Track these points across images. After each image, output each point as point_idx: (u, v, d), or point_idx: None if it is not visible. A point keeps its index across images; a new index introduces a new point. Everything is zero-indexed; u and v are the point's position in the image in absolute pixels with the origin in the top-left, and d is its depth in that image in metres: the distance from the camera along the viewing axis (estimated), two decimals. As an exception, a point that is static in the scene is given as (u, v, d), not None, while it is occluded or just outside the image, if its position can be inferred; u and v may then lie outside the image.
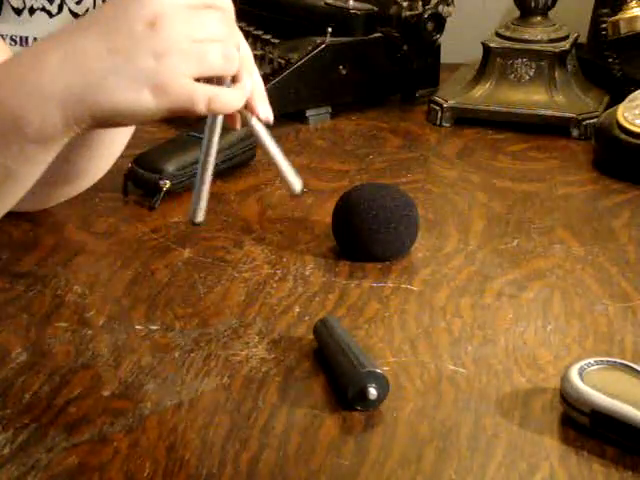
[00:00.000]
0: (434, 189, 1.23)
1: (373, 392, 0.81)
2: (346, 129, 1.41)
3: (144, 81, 0.73)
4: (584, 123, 1.37)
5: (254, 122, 0.84)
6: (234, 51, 0.78)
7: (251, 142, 1.25)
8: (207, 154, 0.83)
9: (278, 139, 1.36)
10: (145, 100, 0.75)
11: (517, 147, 1.35)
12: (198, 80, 0.76)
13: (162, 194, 1.15)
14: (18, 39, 1.73)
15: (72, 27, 0.77)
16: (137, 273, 1.02)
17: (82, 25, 0.76)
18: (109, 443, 0.77)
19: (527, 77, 1.42)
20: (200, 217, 0.84)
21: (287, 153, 1.31)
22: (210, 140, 0.82)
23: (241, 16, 1.48)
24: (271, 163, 0.87)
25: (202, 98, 0.75)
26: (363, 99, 1.47)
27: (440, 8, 1.43)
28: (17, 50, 1.62)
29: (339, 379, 0.83)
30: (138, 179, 1.18)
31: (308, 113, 1.42)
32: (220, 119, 0.83)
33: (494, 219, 1.15)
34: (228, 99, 0.78)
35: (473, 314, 0.95)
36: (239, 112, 0.83)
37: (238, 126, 0.83)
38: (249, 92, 0.81)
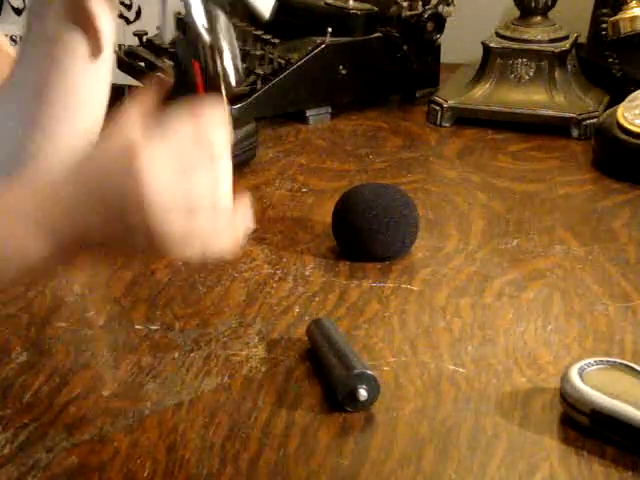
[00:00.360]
0: (434, 189, 1.23)
1: (363, 393, 0.81)
2: (346, 129, 1.41)
3: (139, 233, 0.74)
4: (584, 123, 1.37)
5: None
6: (221, 181, 0.78)
7: (251, 142, 1.25)
8: None
9: (278, 139, 1.37)
10: (138, 245, 0.75)
11: (517, 147, 1.35)
12: None
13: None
14: (18, 39, 1.73)
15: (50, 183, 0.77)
16: (137, 273, 1.02)
17: (64, 180, 0.76)
18: (109, 443, 0.77)
19: (527, 77, 1.42)
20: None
21: (287, 153, 1.33)
22: None
23: (241, 16, 1.49)
24: None
25: (196, 245, 0.75)
26: (363, 99, 1.47)
27: (440, 8, 1.43)
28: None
29: (330, 380, 0.83)
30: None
31: (308, 113, 1.42)
32: None
33: (494, 219, 1.15)
34: (221, 247, 0.77)
35: (473, 314, 0.95)
36: None
37: None
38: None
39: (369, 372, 0.81)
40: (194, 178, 0.75)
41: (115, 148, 0.75)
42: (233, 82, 0.80)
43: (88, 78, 0.97)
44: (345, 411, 0.81)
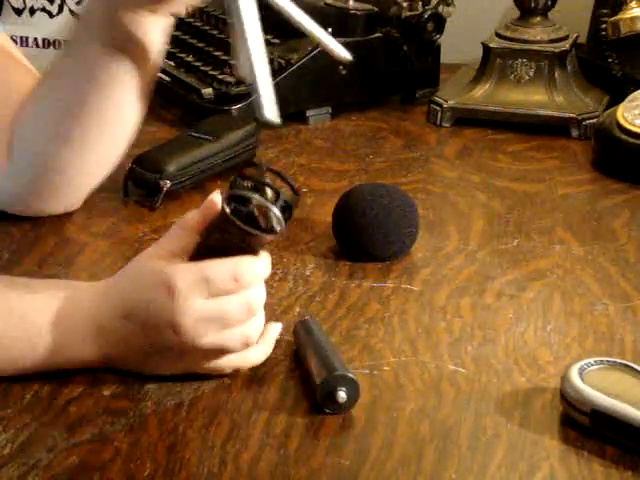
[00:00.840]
0: (434, 189, 1.23)
1: (342, 395, 0.80)
2: (346, 129, 1.41)
3: (176, 363, 0.84)
4: (584, 123, 1.37)
5: None
6: (254, 331, 0.84)
7: (251, 142, 1.25)
8: (244, 31, 0.81)
9: (278, 139, 1.37)
10: (181, 368, 0.84)
11: (517, 147, 1.35)
12: None
13: (162, 194, 1.15)
14: (18, 39, 1.73)
15: (100, 307, 0.84)
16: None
17: (110, 309, 0.83)
18: (110, 443, 0.77)
19: (527, 77, 1.42)
20: (271, 113, 0.84)
21: (287, 153, 1.33)
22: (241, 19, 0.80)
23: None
24: (310, 36, 0.86)
25: (227, 369, 0.85)
26: (363, 99, 1.47)
27: (440, 8, 1.43)
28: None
29: (309, 381, 0.83)
30: (138, 179, 1.18)
31: (308, 113, 1.42)
32: None
33: (494, 219, 1.15)
34: (252, 362, 0.86)
35: (473, 314, 0.95)
36: None
37: None
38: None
39: (349, 374, 0.81)
40: (226, 300, 0.81)
41: (158, 287, 0.81)
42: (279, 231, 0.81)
43: (125, 96, 0.99)
44: (349, 411, 0.81)
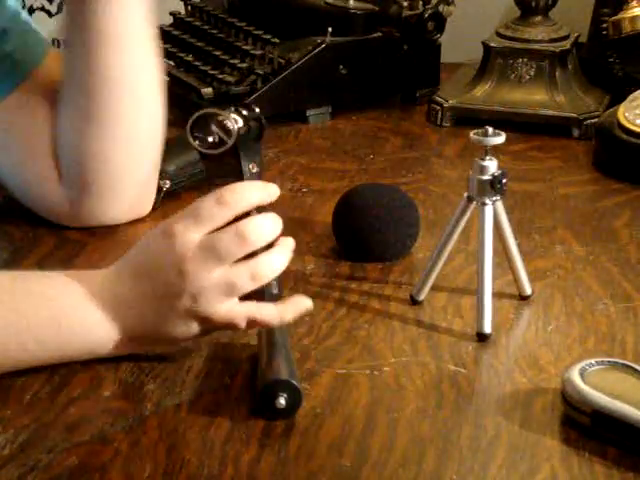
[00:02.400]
0: (434, 189, 1.23)
1: (282, 402, 0.80)
2: (346, 129, 1.41)
3: (191, 318, 0.83)
4: (585, 123, 1.37)
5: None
6: (262, 266, 0.83)
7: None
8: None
9: (278, 139, 1.36)
10: (194, 329, 0.84)
11: (518, 147, 1.35)
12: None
13: (162, 194, 1.15)
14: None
15: (110, 278, 0.85)
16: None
17: (121, 277, 0.85)
18: (109, 443, 0.77)
19: (528, 77, 1.42)
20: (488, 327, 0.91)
21: (287, 153, 1.33)
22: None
23: (241, 16, 1.49)
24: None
25: (242, 319, 0.84)
26: (363, 99, 1.47)
27: (440, 8, 1.43)
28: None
29: (254, 385, 0.83)
30: (138, 179, 1.17)
31: (308, 113, 1.42)
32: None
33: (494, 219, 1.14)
34: (266, 314, 0.84)
35: (474, 314, 0.94)
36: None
37: None
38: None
39: (293, 381, 0.80)
40: (223, 245, 0.82)
41: (158, 237, 0.83)
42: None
43: (144, 74, 1.00)
44: (349, 411, 0.81)
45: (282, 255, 0.84)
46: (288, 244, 0.85)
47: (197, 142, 0.82)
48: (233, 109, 0.84)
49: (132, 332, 0.85)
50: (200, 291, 0.82)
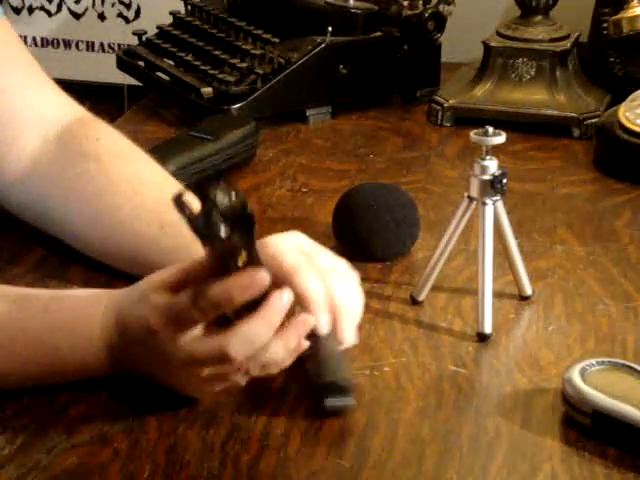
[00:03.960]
0: (435, 189, 1.22)
1: (338, 401, 0.80)
2: (346, 129, 1.41)
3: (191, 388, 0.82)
4: (585, 123, 1.37)
5: None
6: (254, 366, 0.79)
7: (251, 142, 1.25)
8: None
9: (278, 139, 1.36)
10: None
11: (518, 147, 1.34)
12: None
13: (162, 194, 1.15)
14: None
15: (108, 324, 0.82)
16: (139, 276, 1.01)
17: (115, 333, 0.81)
18: (109, 444, 0.77)
19: (528, 76, 1.42)
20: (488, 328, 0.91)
21: (287, 153, 1.33)
22: None
23: (241, 15, 1.49)
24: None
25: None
26: (363, 99, 1.47)
27: (441, 7, 1.43)
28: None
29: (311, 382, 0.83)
30: (138, 179, 1.17)
31: (308, 113, 1.42)
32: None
33: (494, 219, 1.14)
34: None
35: (474, 314, 0.94)
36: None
37: None
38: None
39: (349, 380, 0.81)
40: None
41: (140, 328, 0.79)
42: None
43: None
44: (349, 411, 0.81)
45: (282, 346, 0.79)
46: (298, 330, 0.79)
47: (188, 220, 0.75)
48: (219, 197, 0.74)
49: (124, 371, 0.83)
50: (192, 384, 0.80)
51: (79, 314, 0.83)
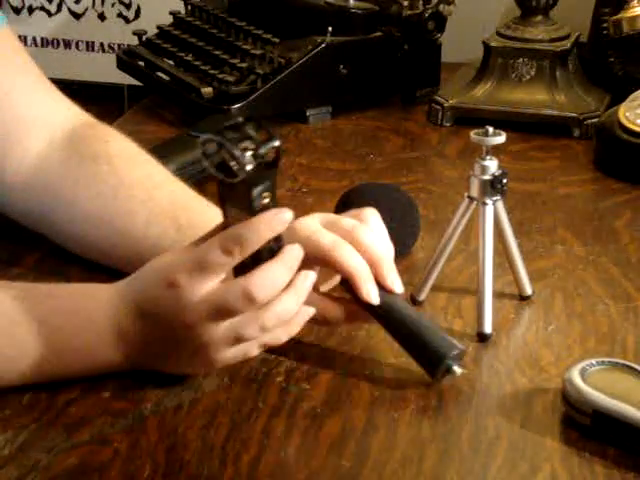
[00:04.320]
0: (435, 189, 1.22)
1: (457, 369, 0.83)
2: (346, 129, 1.41)
3: (196, 360, 0.82)
4: (585, 123, 1.37)
5: None
6: (271, 318, 0.80)
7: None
8: None
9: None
10: (199, 369, 0.84)
11: (518, 147, 1.34)
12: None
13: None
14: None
15: (115, 305, 0.83)
16: (137, 273, 1.01)
17: (125, 310, 0.82)
18: (109, 444, 0.77)
19: (528, 76, 1.42)
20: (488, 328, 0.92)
21: (287, 153, 1.32)
22: None
23: (241, 15, 1.49)
24: None
25: (250, 353, 0.82)
26: (363, 99, 1.47)
27: (441, 7, 1.43)
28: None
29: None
30: (138, 179, 1.17)
31: (308, 113, 1.42)
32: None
33: (494, 219, 1.14)
34: (275, 337, 0.82)
35: (474, 314, 0.94)
36: None
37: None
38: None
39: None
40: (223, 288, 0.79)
41: (161, 285, 0.80)
42: None
43: None
44: (345, 411, 0.81)
45: (294, 300, 0.80)
46: (304, 284, 0.81)
47: (209, 164, 0.77)
48: (247, 129, 0.79)
49: (135, 361, 0.84)
50: (207, 342, 0.80)
51: (83, 297, 0.84)
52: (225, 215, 0.80)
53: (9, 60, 1.04)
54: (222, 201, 0.79)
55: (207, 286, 0.78)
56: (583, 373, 0.80)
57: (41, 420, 0.80)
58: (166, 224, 0.95)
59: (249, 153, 0.76)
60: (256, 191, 0.78)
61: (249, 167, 0.76)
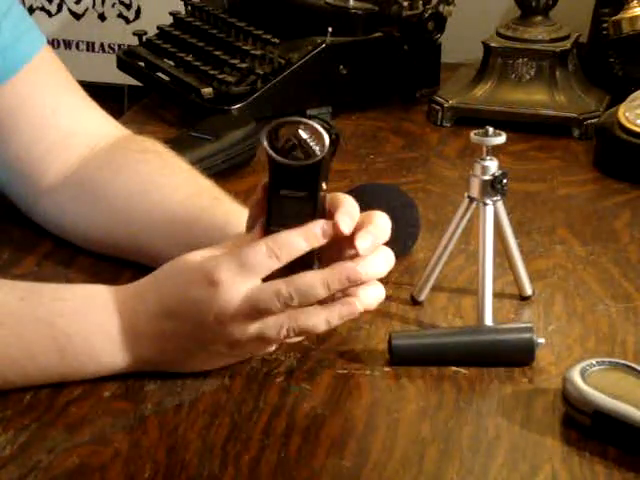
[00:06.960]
0: (435, 189, 1.22)
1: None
2: (346, 129, 1.41)
3: (220, 358, 0.84)
4: (585, 123, 1.37)
5: None
6: (304, 324, 0.81)
7: (251, 142, 1.25)
8: None
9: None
10: (218, 365, 0.85)
11: (518, 147, 1.35)
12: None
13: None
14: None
15: (134, 307, 0.83)
16: (137, 273, 1.01)
17: (146, 312, 0.83)
18: (110, 444, 0.77)
19: (528, 77, 1.42)
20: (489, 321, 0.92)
21: (287, 153, 1.32)
22: None
23: (241, 16, 1.49)
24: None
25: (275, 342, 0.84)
26: (363, 99, 1.47)
27: (441, 7, 1.43)
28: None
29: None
30: (138, 179, 1.17)
31: (308, 113, 1.42)
32: None
33: (495, 219, 1.14)
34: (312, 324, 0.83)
35: (474, 314, 0.94)
36: None
37: None
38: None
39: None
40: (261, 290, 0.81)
41: (200, 283, 0.81)
42: None
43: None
44: (347, 410, 0.81)
45: (324, 322, 0.82)
46: (341, 312, 0.83)
47: (274, 151, 0.78)
48: (306, 121, 0.80)
49: (145, 362, 0.84)
50: (237, 342, 0.81)
51: (90, 299, 0.84)
52: (270, 204, 0.80)
53: (54, 79, 1.07)
54: (273, 189, 0.80)
55: (247, 285, 0.80)
56: (583, 373, 0.80)
57: (42, 420, 0.80)
58: (204, 196, 0.98)
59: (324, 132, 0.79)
60: (322, 177, 0.80)
61: (330, 141, 0.78)
